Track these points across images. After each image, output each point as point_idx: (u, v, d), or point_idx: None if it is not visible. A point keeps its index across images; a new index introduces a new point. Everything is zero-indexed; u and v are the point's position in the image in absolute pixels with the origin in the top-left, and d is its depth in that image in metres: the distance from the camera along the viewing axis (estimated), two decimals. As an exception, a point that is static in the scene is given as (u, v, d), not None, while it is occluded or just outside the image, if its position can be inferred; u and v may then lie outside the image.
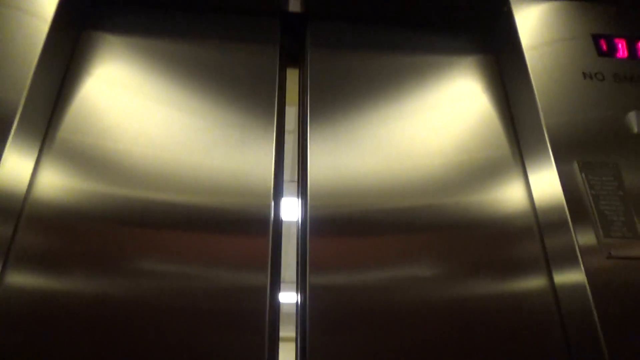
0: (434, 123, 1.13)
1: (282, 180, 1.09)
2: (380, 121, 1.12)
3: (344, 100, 1.14)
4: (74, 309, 0.86)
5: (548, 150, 1.00)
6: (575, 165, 0.97)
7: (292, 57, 1.27)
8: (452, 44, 1.25)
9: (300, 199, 1.06)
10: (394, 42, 1.24)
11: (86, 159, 1.00)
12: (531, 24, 1.15)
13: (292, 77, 1.26)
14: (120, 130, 1.04)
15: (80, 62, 1.12)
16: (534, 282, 0.97)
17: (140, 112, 1.07)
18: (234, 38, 1.21)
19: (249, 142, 1.07)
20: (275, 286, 0.95)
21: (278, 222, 1.03)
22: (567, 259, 0.92)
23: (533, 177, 1.07)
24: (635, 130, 1.02)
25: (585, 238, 0.90)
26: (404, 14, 1.26)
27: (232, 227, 0.96)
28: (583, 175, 0.96)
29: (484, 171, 1.08)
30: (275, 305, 0.93)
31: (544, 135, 1.02)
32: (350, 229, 0.98)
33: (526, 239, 1.02)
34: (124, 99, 1.08)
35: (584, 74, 1.09)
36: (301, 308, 0.92)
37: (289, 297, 1.08)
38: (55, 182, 0.97)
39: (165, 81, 1.11)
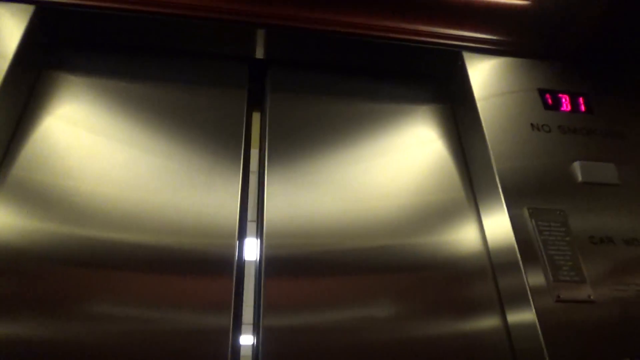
0: (390, 167, 1.17)
1: (246, 221, 1.09)
2: (337, 164, 1.15)
3: (303, 144, 1.16)
4: (28, 356, 0.82)
5: (500, 195, 1.05)
6: (526, 211, 1.02)
7: (259, 101, 1.30)
8: (410, 92, 1.31)
9: (257, 239, 1.06)
10: (353, 89, 1.29)
11: (45, 198, 0.97)
12: (483, 76, 1.23)
13: (258, 121, 1.29)
14: (83, 170, 1.03)
15: (39, 100, 1.10)
16: (488, 322, 1.00)
17: (104, 153, 1.06)
18: (203, 81, 1.22)
19: (215, 183, 1.07)
20: (237, 328, 0.94)
21: (242, 263, 1.02)
22: (519, 300, 0.96)
23: (486, 221, 1.11)
24: (580, 179, 1.09)
25: (535, 281, 0.94)
26: (362, 64, 1.31)
27: (196, 268, 0.95)
28: (533, 221, 1.01)
29: (439, 214, 1.12)
30: (237, 348, 0.92)
31: (495, 181, 1.07)
32: (306, 269, 0.99)
33: (480, 280, 1.05)
34: (87, 139, 1.07)
35: (532, 125, 1.16)
36: (255, 351, 0.91)
37: (248, 340, 1.07)
38: (8, 222, 0.93)
39: (130, 123, 1.11)
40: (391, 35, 1.21)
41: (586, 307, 0.92)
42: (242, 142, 1.14)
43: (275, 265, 0.98)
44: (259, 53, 1.26)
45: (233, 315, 0.91)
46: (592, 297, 0.93)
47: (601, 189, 1.09)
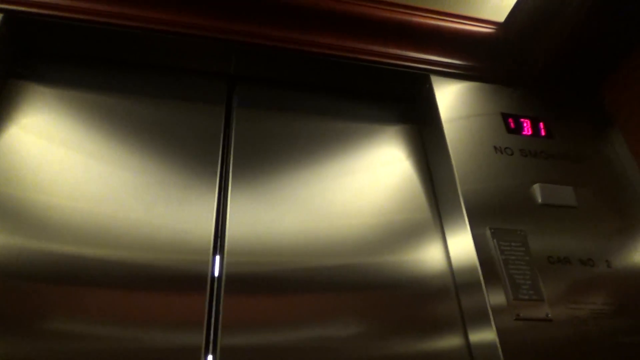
0: (356, 186, 1.17)
1: (222, 238, 1.06)
2: (302, 182, 1.15)
3: (268, 160, 1.16)
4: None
5: (464, 215, 1.07)
6: (488, 231, 1.05)
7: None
8: (378, 113, 1.34)
9: (218, 255, 1.04)
10: (321, 108, 1.30)
11: (14, 212, 0.94)
12: (450, 100, 1.26)
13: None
14: (54, 184, 1.00)
15: (7, 111, 1.07)
16: (450, 341, 1.01)
17: (77, 167, 1.04)
18: (180, 97, 1.22)
19: (190, 199, 1.06)
20: (210, 347, 0.91)
21: (215, 279, 0.99)
22: (481, 319, 0.97)
23: (451, 240, 1.13)
24: (539, 200, 1.13)
25: (496, 299, 0.96)
26: (331, 84, 1.33)
27: (169, 285, 0.93)
28: (494, 240, 1.03)
29: (405, 233, 1.13)
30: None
31: (460, 201, 1.09)
32: (267, 287, 0.98)
33: (444, 299, 1.06)
34: (58, 153, 1.05)
35: (495, 148, 1.20)
36: None
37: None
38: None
39: (104, 137, 1.10)
40: (360, 56, 1.24)
41: (544, 325, 0.95)
42: (218, 158, 1.14)
43: (236, 282, 0.97)
44: (229, 69, 1.26)
45: (205, 334, 0.89)
46: (549, 316, 0.95)
47: (559, 210, 1.13)
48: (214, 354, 0.89)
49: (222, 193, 1.10)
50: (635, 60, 1.28)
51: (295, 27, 1.22)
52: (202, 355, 0.87)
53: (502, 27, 1.33)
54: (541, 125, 1.28)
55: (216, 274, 0.99)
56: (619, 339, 0.96)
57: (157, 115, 1.17)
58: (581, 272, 1.04)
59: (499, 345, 0.90)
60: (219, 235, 1.04)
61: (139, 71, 1.24)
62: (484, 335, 0.96)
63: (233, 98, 1.26)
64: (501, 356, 0.89)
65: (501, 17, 1.32)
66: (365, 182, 1.19)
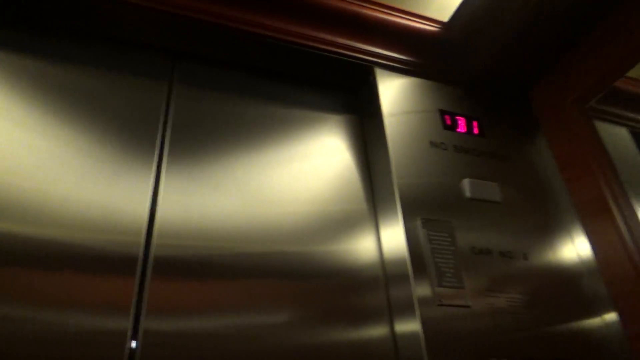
0: (294, 174, 1.18)
1: (153, 218, 1.02)
2: (240, 166, 1.14)
3: (206, 141, 1.14)
4: None
5: (397, 208, 1.11)
6: (419, 221, 1.09)
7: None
8: (321, 101, 1.35)
9: (146, 236, 0.98)
10: (265, 92, 1.29)
11: None
12: (392, 93, 1.30)
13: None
14: None
15: None
16: (377, 331, 1.04)
17: (0, 136, 0.97)
18: (123, 70, 1.17)
19: (125, 176, 1.02)
20: (136, 331, 0.88)
21: (147, 262, 0.95)
22: (407, 309, 1.01)
23: (384, 232, 1.16)
24: (467, 195, 1.19)
25: (422, 286, 1.00)
26: (277, 68, 1.33)
27: (98, 266, 0.89)
28: (424, 230, 1.08)
29: (340, 223, 1.15)
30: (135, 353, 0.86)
31: (395, 194, 1.13)
32: (197, 272, 0.96)
33: (373, 290, 1.09)
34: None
35: (431, 143, 1.25)
36: (130, 356, 0.84)
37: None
38: None
39: (33, 104, 1.03)
40: (308, 43, 1.25)
41: (463, 312, 1.00)
42: (157, 135, 1.10)
43: (164, 266, 0.94)
44: (172, 44, 1.23)
45: (133, 319, 0.87)
46: (468, 303, 1.02)
47: (485, 205, 1.19)
48: (135, 338, 0.87)
49: (160, 172, 1.07)
50: (557, 73, 1.37)
51: (244, 7, 1.20)
52: (128, 340, 0.85)
53: (446, 27, 1.38)
54: (475, 124, 1.34)
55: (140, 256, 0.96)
56: (530, 327, 1.04)
57: (95, 85, 1.12)
58: (500, 264, 1.11)
59: (421, 333, 0.94)
60: (150, 215, 1.01)
61: (78, 39, 1.18)
62: (409, 326, 0.99)
63: (174, 74, 1.22)
64: (423, 344, 0.93)
65: (445, 16, 1.37)
66: (304, 170, 1.20)
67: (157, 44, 1.23)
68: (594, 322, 1.12)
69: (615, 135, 1.40)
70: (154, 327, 0.87)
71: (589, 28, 1.28)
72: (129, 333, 0.85)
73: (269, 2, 1.22)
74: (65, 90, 1.09)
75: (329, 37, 1.28)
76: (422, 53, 1.38)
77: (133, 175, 1.03)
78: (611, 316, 1.12)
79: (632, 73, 1.38)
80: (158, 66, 1.22)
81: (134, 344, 0.85)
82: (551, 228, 1.24)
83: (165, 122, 1.14)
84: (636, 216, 1.18)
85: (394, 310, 1.06)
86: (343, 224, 1.15)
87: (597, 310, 1.14)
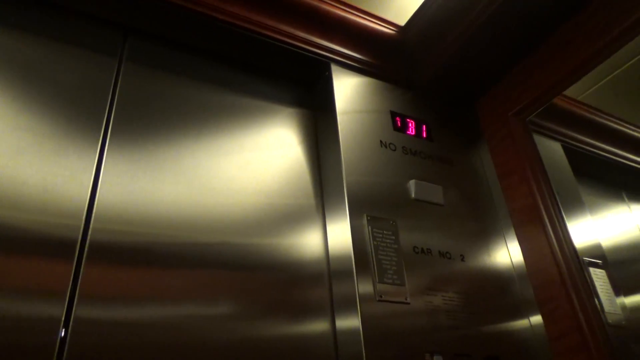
0: (243, 164, 1.16)
1: (92, 201, 0.96)
2: (189, 152, 1.10)
3: (153, 123, 1.09)
4: None
5: (345, 204, 1.12)
6: (365, 218, 1.11)
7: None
8: (276, 92, 1.34)
9: (85, 219, 0.93)
10: (217, 78, 1.26)
11: None
12: (346, 91, 1.31)
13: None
14: None
15: None
16: (318, 326, 1.04)
17: None
18: (69, 41, 1.09)
19: (67, 154, 0.95)
20: (69, 319, 0.83)
21: (86, 246, 0.90)
22: (348, 305, 1.02)
23: (330, 227, 1.17)
24: (413, 195, 1.22)
25: (364, 284, 1.02)
26: (233, 55, 1.30)
27: (32, 249, 0.84)
28: (369, 227, 1.10)
29: (287, 217, 1.14)
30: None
31: (343, 191, 1.14)
32: (135, 259, 0.92)
33: (317, 285, 1.09)
34: None
35: (381, 142, 1.28)
36: (60, 344, 0.80)
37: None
38: None
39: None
40: (266, 32, 1.23)
41: (402, 308, 1.03)
42: (104, 113, 1.04)
43: (101, 251, 0.90)
44: (123, 19, 1.17)
45: (67, 305, 0.82)
46: (408, 300, 1.04)
47: (428, 206, 1.23)
48: (66, 326, 0.82)
49: (103, 151, 1.01)
50: (503, 86, 1.44)
51: (203, -11, 1.17)
52: (61, 327, 0.80)
53: (402, 31, 1.41)
54: (424, 127, 1.38)
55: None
56: (464, 325, 1.08)
57: (37, 54, 1.04)
58: (439, 263, 1.15)
59: (361, 328, 0.96)
60: (89, 198, 0.96)
61: (18, 1, 1.10)
62: (349, 321, 1.00)
63: (125, 51, 1.17)
64: (362, 340, 0.95)
65: (403, 21, 1.40)
66: (254, 161, 1.18)
67: (108, 17, 1.17)
68: (522, 323, 1.19)
69: (551, 149, 1.49)
70: (86, 315, 0.83)
71: (533, 47, 1.35)
72: (63, 320, 0.81)
73: (229, -13, 1.20)
74: (9, 57, 1.01)
75: (288, 29, 1.27)
76: (378, 54, 1.40)
77: (76, 153, 0.97)
78: (537, 319, 1.19)
79: (569, 92, 1.48)
80: (109, 41, 1.16)
81: (64, 333, 0.81)
82: (488, 232, 1.30)
83: (112, 100, 1.08)
84: (565, 226, 1.26)
85: (335, 306, 1.07)
86: (290, 217, 1.15)
87: (524, 312, 1.21)
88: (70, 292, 0.84)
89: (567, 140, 1.56)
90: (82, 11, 1.15)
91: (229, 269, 1.00)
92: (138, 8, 1.15)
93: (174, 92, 1.17)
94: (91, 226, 0.91)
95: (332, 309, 1.07)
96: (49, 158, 0.94)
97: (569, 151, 1.55)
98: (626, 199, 1.85)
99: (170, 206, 1.01)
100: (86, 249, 0.89)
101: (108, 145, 1.02)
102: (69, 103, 1.02)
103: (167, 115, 1.12)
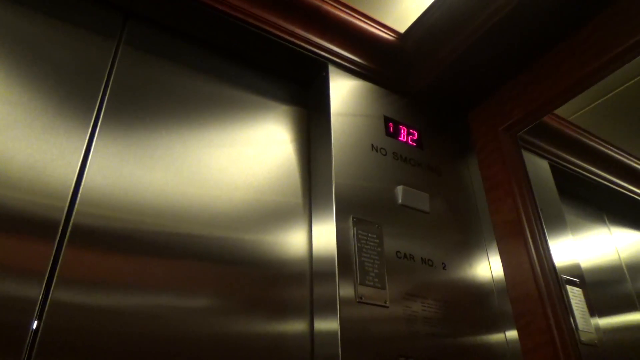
0: (235, 158, 1.16)
1: (78, 183, 0.95)
2: (179, 141, 1.09)
3: (147, 110, 1.08)
4: None
5: (332, 205, 1.12)
6: (351, 220, 1.11)
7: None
8: (272, 89, 1.34)
9: (69, 200, 0.91)
10: (214, 69, 1.25)
11: None
12: (341, 93, 1.32)
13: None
14: None
15: None
16: (296, 327, 1.04)
17: None
18: (67, 19, 1.08)
19: (57, 132, 0.94)
20: (46, 302, 0.82)
21: (68, 229, 0.89)
22: (328, 306, 1.02)
23: (316, 227, 1.17)
24: (400, 201, 1.23)
25: (345, 286, 1.02)
26: (232, 47, 1.30)
27: (13, 227, 0.82)
28: (355, 229, 1.10)
29: (273, 214, 1.14)
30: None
31: (332, 192, 1.14)
32: (117, 245, 0.91)
33: (298, 284, 1.09)
34: None
35: (372, 146, 1.28)
36: (36, 328, 0.79)
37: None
38: None
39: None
40: (267, 28, 1.23)
41: (381, 312, 1.04)
42: (98, 94, 1.03)
43: (83, 235, 0.89)
44: (124, 1, 1.16)
45: (45, 286, 0.81)
46: (387, 304, 1.05)
47: (414, 213, 1.24)
48: (41, 309, 0.81)
49: (94, 133, 1.00)
50: (495, 100, 1.46)
51: (206, -22, 1.17)
52: (37, 309, 0.79)
53: (401, 38, 1.42)
54: (416, 134, 1.39)
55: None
56: (440, 332, 1.09)
57: (34, 31, 1.03)
58: (420, 270, 1.16)
59: (339, 331, 0.96)
60: (77, 180, 0.95)
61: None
62: (328, 323, 1.00)
63: (124, 34, 1.16)
64: (339, 342, 0.95)
65: (403, 28, 1.41)
66: (245, 155, 1.18)
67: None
68: (498, 337, 1.20)
69: (538, 166, 1.51)
70: (63, 298, 0.82)
71: (527, 64, 1.37)
72: (39, 301, 0.80)
73: (233, -20, 1.20)
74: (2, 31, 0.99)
75: (289, 26, 1.27)
76: (376, 59, 1.41)
77: (67, 132, 0.96)
78: (512, 333, 1.21)
79: (559, 112, 1.50)
80: (109, 23, 1.15)
81: (39, 314, 0.80)
82: (471, 243, 1.31)
83: (107, 82, 1.07)
84: (546, 243, 1.28)
85: (315, 306, 1.07)
86: (277, 214, 1.15)
87: (501, 326, 1.22)
88: (49, 274, 0.83)
89: (554, 158, 1.59)
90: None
91: (211, 262, 1.00)
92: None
93: (170, 80, 1.16)
94: (75, 208, 0.90)
95: (312, 309, 1.07)
96: (38, 135, 0.93)
97: (556, 170, 1.57)
98: (607, 221, 1.88)
99: (158, 194, 1.00)
100: (68, 232, 0.88)
101: (100, 127, 1.01)
102: (64, 82, 1.01)
103: (162, 102, 1.12)
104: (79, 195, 0.92)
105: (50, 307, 0.81)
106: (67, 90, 1.01)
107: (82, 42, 1.08)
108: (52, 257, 0.84)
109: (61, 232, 0.87)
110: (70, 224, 0.89)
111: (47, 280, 0.82)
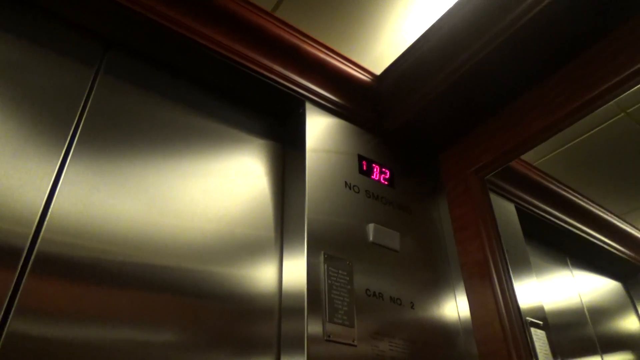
0: (208, 189, 1.15)
1: (46, 210, 0.93)
2: (153, 171, 1.09)
3: (122, 137, 1.08)
4: None
5: (304, 240, 1.12)
6: (322, 256, 1.12)
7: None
8: (249, 122, 1.35)
9: (35, 227, 0.89)
10: (191, 100, 1.26)
11: None
12: (317, 130, 1.34)
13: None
14: None
15: None
16: None
17: None
18: (47, 45, 1.08)
19: (28, 157, 0.92)
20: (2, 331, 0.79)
21: (32, 256, 0.86)
22: (296, 343, 1.01)
23: (286, 262, 1.17)
24: (371, 239, 1.25)
25: (314, 323, 1.01)
26: (210, 80, 1.31)
27: None
28: (325, 265, 1.11)
29: (244, 247, 1.13)
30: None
31: (304, 227, 1.14)
32: (82, 275, 0.89)
33: (266, 319, 1.08)
34: None
35: (346, 184, 1.30)
36: None
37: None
38: None
39: None
40: (246, 63, 1.26)
41: (348, 350, 1.03)
42: (74, 121, 1.02)
43: (47, 263, 0.87)
44: (105, 31, 1.17)
45: (3, 316, 0.79)
46: (355, 342, 1.05)
47: (385, 251, 1.25)
48: None
49: (66, 160, 0.99)
50: (465, 144, 1.51)
51: (187, 12, 1.19)
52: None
53: (377, 80, 1.47)
54: (388, 173, 1.42)
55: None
56: (406, 372, 1.09)
57: (13, 54, 1.02)
58: (389, 309, 1.16)
59: (306, 363, 0.95)
60: (44, 206, 0.93)
61: (8, 4, 1.08)
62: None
63: (103, 63, 1.16)
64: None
65: (379, 70, 1.46)
66: (218, 187, 1.17)
67: (92, 27, 1.16)
68: (462, 377, 1.21)
69: (505, 209, 1.55)
70: (21, 329, 0.79)
71: (496, 111, 1.44)
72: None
73: (214, 14, 1.22)
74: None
75: (267, 63, 1.30)
76: (352, 98, 1.45)
77: (37, 157, 0.95)
78: (477, 374, 1.22)
79: (526, 157, 1.56)
80: (89, 51, 1.15)
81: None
82: (439, 283, 1.33)
83: (83, 110, 1.06)
84: (511, 284, 1.30)
85: (282, 343, 1.05)
86: (248, 248, 1.14)
87: (466, 365, 1.23)
88: (7, 303, 0.80)
89: (520, 202, 1.64)
90: (67, 18, 1.14)
91: (179, 295, 0.98)
92: (122, 22, 1.15)
93: (146, 109, 1.16)
94: (41, 235, 0.88)
95: (279, 346, 1.06)
96: (7, 160, 0.91)
97: (522, 213, 1.62)
98: (570, 265, 1.93)
99: (127, 223, 0.99)
100: (32, 259, 0.85)
101: (72, 153, 1.00)
102: (39, 107, 1.00)
103: (137, 131, 1.11)
104: (46, 222, 0.90)
105: (6, 337, 0.77)
106: (42, 116, 1.00)
107: (61, 68, 1.08)
108: (13, 285, 0.82)
109: (24, 259, 0.85)
110: (35, 251, 0.86)
111: (5, 310, 0.79)
